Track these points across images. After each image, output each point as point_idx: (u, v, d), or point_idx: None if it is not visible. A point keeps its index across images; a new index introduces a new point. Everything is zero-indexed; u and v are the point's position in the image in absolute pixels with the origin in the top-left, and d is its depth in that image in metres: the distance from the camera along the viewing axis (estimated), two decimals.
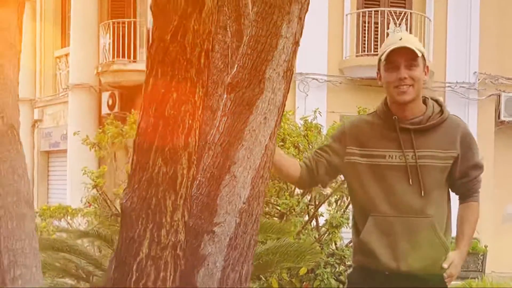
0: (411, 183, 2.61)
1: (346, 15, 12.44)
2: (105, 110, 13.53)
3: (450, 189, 2.70)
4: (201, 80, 1.74)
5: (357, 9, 12.54)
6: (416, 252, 2.58)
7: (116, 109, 13.20)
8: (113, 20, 13.18)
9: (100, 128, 8.51)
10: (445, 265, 2.55)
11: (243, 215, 2.14)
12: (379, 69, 2.70)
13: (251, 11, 2.52)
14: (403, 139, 2.64)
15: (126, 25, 13.06)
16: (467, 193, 2.72)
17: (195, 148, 1.70)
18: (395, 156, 2.65)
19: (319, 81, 12.32)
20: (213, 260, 1.99)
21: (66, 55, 15.24)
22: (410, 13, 12.52)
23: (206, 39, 1.73)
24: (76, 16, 13.97)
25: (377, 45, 12.29)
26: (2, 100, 2.61)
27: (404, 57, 2.58)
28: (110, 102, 13.47)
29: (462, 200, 2.73)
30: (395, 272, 2.60)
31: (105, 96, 13.67)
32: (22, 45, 2.88)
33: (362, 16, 12.41)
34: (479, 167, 2.70)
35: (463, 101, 12.74)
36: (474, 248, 12.06)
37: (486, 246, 12.13)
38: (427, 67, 2.69)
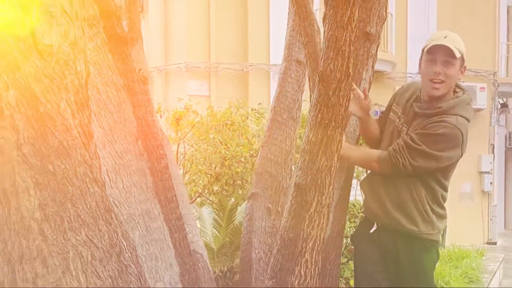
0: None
1: (316, 10, 13.32)
2: None
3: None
4: None
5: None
6: (389, 209, 2.98)
7: None
8: None
9: None
10: None
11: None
12: (421, 59, 2.97)
13: None
14: (408, 113, 3.00)
15: None
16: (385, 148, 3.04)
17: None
18: (400, 124, 3.03)
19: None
20: None
21: None
22: None
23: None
24: None
25: None
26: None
27: (443, 54, 2.80)
28: None
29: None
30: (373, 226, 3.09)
31: None
32: None
33: None
34: (410, 139, 2.91)
35: None
36: None
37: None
38: (465, 67, 2.91)
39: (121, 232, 1.93)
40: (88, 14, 1.98)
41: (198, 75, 12.39)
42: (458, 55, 2.82)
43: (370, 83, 3.17)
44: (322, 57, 2.54)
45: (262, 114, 7.30)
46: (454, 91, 2.96)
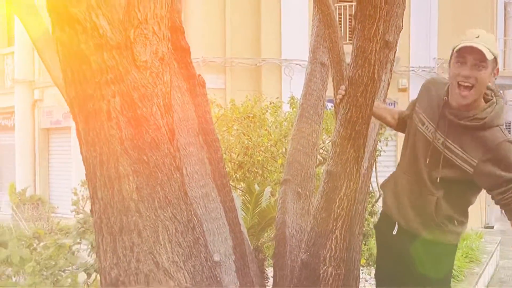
0: (427, 162, 2.71)
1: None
2: None
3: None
4: None
5: (333, 3, 13.66)
6: (411, 213, 2.80)
7: None
8: None
9: None
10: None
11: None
12: (451, 58, 2.65)
13: None
14: (441, 123, 2.68)
15: None
16: (503, 203, 2.61)
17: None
18: (431, 132, 2.71)
19: (302, 66, 13.45)
20: None
21: None
22: None
23: None
24: None
25: (351, 35, 13.47)
26: None
27: (474, 56, 2.50)
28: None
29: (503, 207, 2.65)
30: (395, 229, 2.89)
31: None
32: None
33: (338, 8, 13.47)
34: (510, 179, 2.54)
35: None
36: None
37: None
38: (497, 69, 2.60)
39: (193, 210, 2.28)
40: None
41: (214, 69, 12.74)
42: (490, 57, 2.52)
43: (389, 83, 3.47)
44: (351, 64, 2.87)
45: (279, 107, 7.63)
46: (485, 94, 2.68)
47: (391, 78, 3.48)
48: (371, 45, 2.81)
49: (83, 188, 9.60)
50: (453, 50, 2.61)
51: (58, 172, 16.66)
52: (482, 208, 14.56)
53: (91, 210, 2.14)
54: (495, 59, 2.56)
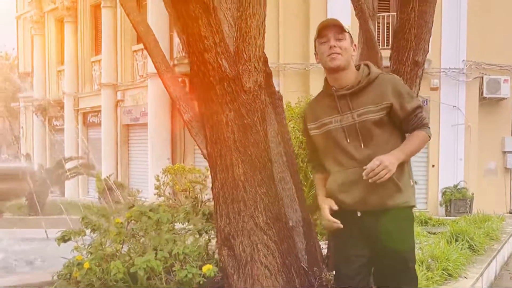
0: (348, 141, 2.58)
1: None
2: None
3: (403, 131, 2.66)
4: None
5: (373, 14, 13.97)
6: (370, 194, 2.54)
7: None
8: None
9: None
10: (369, 165, 2.46)
11: None
12: (316, 50, 2.68)
13: None
14: (341, 105, 2.60)
15: None
16: (413, 127, 2.63)
17: None
18: (338, 120, 2.60)
19: None
20: None
21: (142, 49, 16.11)
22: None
23: None
24: (152, 19, 14.93)
25: (388, 41, 13.87)
26: None
27: (333, 31, 2.57)
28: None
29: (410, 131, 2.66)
30: (357, 211, 2.60)
31: None
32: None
33: (377, 18, 13.75)
34: (415, 108, 2.60)
35: (455, 82, 13.98)
36: (464, 195, 13.65)
37: (472, 194, 13.63)
38: (355, 44, 2.68)
39: (277, 189, 2.96)
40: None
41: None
42: (346, 30, 2.64)
43: (417, 94, 4.00)
44: None
45: None
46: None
47: (419, 89, 4.00)
48: (403, 67, 3.44)
49: (163, 175, 10.33)
50: (315, 40, 2.67)
51: (136, 161, 17.45)
52: (507, 195, 14.73)
53: (211, 187, 2.85)
54: (350, 35, 2.64)
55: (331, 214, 2.62)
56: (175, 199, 10.40)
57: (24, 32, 23.07)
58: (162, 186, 10.24)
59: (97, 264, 2.78)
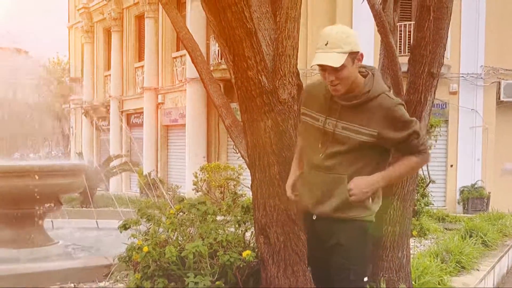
0: (320, 145, 2.40)
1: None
2: None
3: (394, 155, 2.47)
4: None
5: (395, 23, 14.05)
6: (324, 201, 2.39)
7: None
8: None
9: None
10: (348, 186, 2.34)
11: None
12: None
13: None
14: (331, 108, 2.40)
15: None
16: (408, 153, 2.43)
17: None
18: (323, 121, 2.41)
19: None
20: None
21: (181, 56, 16.78)
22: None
23: None
24: (190, 28, 15.69)
25: (409, 48, 13.89)
26: None
27: (327, 67, 2.30)
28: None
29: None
30: (313, 215, 2.46)
31: None
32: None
33: (399, 26, 13.80)
34: (406, 136, 2.37)
35: (473, 87, 13.97)
36: (481, 194, 13.69)
37: (489, 192, 13.66)
38: (361, 54, 2.35)
39: None
40: None
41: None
42: (339, 64, 2.28)
43: (432, 102, 4.11)
44: (406, 91, 3.67)
45: None
46: (360, 72, 2.44)
47: (434, 98, 4.14)
48: (419, 80, 3.63)
49: (201, 172, 10.68)
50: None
51: (175, 159, 17.86)
52: None
53: (251, 184, 3.11)
54: (351, 52, 2.30)
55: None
56: (209, 194, 10.73)
57: (75, 40, 23.85)
58: (199, 182, 10.62)
59: (153, 248, 3.08)
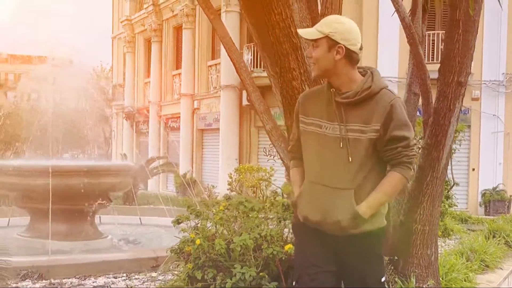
0: (327, 154, 2.19)
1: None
2: (244, 102, 15.62)
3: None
4: None
5: (424, 31, 13.93)
6: (333, 217, 2.17)
7: None
8: (252, 43, 15.15)
9: None
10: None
11: None
12: None
13: None
14: (336, 112, 2.19)
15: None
16: (392, 162, 2.19)
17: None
18: (329, 127, 2.20)
19: (392, 82, 13.90)
20: None
21: (216, 64, 17.09)
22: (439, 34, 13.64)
23: None
24: None
25: (432, 56, 13.85)
26: None
27: (308, 40, 2.23)
28: (249, 97, 15.61)
29: (389, 168, 2.21)
30: (323, 231, 2.23)
31: (245, 93, 15.55)
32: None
33: (427, 36, 13.60)
34: (398, 138, 2.15)
35: (495, 93, 13.84)
36: (502, 197, 13.49)
37: (510, 195, 13.48)
38: (340, 47, 2.14)
39: None
40: None
41: None
42: (315, 36, 2.17)
43: (460, 109, 4.11)
44: (436, 98, 3.72)
45: None
46: (359, 72, 2.25)
47: (462, 104, 4.15)
48: (449, 88, 3.68)
49: (235, 173, 10.85)
50: None
51: (209, 161, 18.11)
52: None
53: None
54: (329, 38, 2.15)
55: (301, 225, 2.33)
56: (242, 193, 10.88)
57: (118, 50, 24.43)
58: (234, 183, 10.79)
59: (203, 241, 3.22)
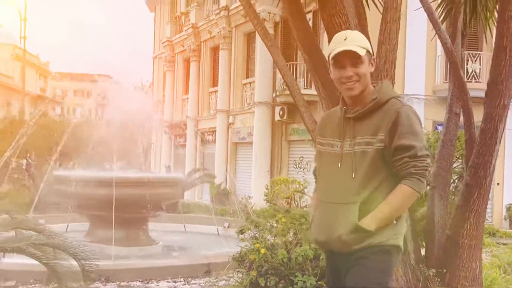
0: (339, 166, 2.06)
1: (438, 56, 13.87)
2: (276, 117, 15.78)
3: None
4: None
5: (462, 51, 13.73)
6: (336, 232, 2.02)
7: (284, 118, 15.55)
8: (289, 63, 15.23)
9: None
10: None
11: None
12: (329, 65, 2.14)
13: None
14: (345, 129, 2.10)
15: (291, 66, 15.09)
16: (401, 174, 2.00)
17: None
18: (338, 145, 2.11)
19: (419, 99, 13.74)
20: None
21: (250, 82, 17.30)
22: (480, 54, 13.59)
23: None
24: (260, 59, 16.08)
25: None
26: None
27: (348, 57, 2.04)
28: (281, 113, 15.71)
29: (399, 180, 2.01)
30: (332, 251, 2.11)
31: (277, 109, 15.82)
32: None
33: (462, 54, 13.47)
34: (404, 147, 1.98)
35: None
36: None
37: None
38: (374, 59, 2.13)
39: None
40: None
41: None
42: (363, 52, 2.05)
43: (504, 129, 4.03)
44: (483, 120, 3.72)
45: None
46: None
47: (506, 125, 4.11)
48: (495, 111, 3.68)
49: (272, 185, 10.89)
50: (329, 57, 2.13)
51: (242, 172, 18.16)
52: None
53: None
54: (368, 52, 2.09)
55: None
56: (277, 204, 10.92)
57: (159, 68, 24.95)
58: (270, 194, 10.85)
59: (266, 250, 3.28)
